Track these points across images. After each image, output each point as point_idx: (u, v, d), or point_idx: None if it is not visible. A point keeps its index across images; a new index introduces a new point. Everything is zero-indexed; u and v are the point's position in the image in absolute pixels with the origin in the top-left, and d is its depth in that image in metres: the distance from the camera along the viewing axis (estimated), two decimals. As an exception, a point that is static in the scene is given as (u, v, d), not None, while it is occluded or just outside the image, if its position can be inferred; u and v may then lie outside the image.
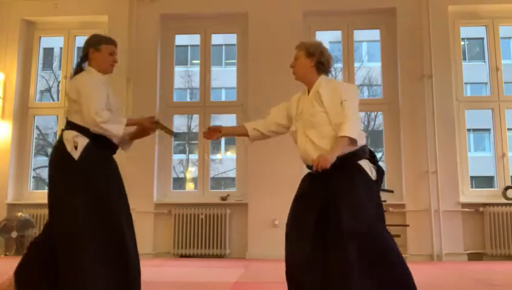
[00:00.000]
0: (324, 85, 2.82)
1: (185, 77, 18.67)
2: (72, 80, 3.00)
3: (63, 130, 2.97)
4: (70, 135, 2.89)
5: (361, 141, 2.76)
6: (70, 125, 2.95)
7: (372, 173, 2.80)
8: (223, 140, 19.98)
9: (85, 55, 3.05)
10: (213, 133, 3.03)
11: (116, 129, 2.84)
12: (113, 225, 2.80)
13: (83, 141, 2.86)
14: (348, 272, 2.57)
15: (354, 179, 2.71)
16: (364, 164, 2.79)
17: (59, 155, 2.89)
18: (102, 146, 2.92)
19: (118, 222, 2.82)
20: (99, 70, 3.02)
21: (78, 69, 3.03)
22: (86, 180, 2.81)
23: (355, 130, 2.64)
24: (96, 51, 3.01)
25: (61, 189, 2.82)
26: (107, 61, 3.04)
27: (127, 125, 2.92)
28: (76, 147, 2.84)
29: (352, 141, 2.64)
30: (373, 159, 2.88)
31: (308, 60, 2.88)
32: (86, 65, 3.05)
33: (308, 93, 2.89)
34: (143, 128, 3.09)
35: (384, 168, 3.14)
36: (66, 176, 2.82)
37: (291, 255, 2.87)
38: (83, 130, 2.87)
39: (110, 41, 3.08)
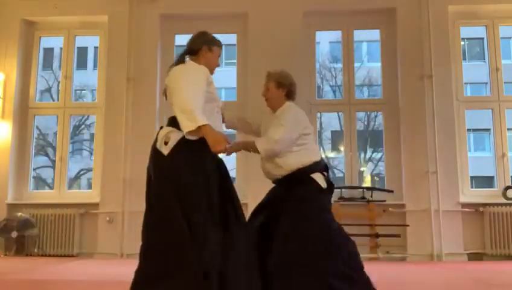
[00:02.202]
0: (282, 111, 3.23)
1: (185, 77, 18.67)
2: (172, 70, 2.88)
3: (161, 128, 2.86)
4: (164, 131, 2.75)
5: (315, 157, 3.16)
6: (169, 121, 2.82)
7: (323, 184, 3.12)
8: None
9: (196, 50, 2.93)
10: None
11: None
12: (173, 227, 2.60)
13: (176, 136, 2.68)
14: (273, 272, 2.88)
15: (305, 189, 3.08)
16: (316, 176, 3.11)
17: (151, 154, 2.78)
18: (198, 142, 2.63)
19: (179, 225, 2.58)
20: None
21: (181, 61, 2.92)
22: (173, 176, 2.65)
23: (264, 146, 3.06)
24: (209, 50, 2.93)
25: (155, 188, 2.73)
26: (215, 63, 2.97)
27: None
28: (166, 143, 2.68)
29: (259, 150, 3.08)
30: (326, 173, 3.21)
31: (280, 90, 3.27)
32: (187, 58, 2.95)
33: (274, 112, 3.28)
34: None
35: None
36: (157, 174, 2.72)
37: None
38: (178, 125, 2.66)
39: (221, 45, 3.01)
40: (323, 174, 3.16)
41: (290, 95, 3.31)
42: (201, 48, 2.92)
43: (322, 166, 3.19)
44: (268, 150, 3.06)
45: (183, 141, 2.65)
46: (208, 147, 2.60)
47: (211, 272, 2.52)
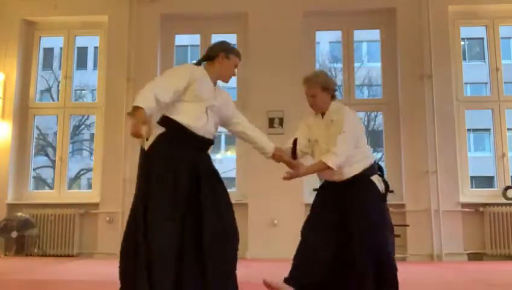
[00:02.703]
0: (335, 113, 3.28)
1: (184, 77, 18.68)
2: None
3: None
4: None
5: (371, 160, 3.20)
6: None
7: (381, 187, 3.15)
8: (223, 140, 20.00)
9: (212, 57, 2.99)
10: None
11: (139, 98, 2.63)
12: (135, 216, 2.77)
13: (157, 132, 2.82)
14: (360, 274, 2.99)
15: (366, 192, 3.11)
16: (375, 179, 3.14)
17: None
18: (177, 139, 2.79)
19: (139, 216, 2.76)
20: (217, 75, 2.99)
21: (199, 65, 3.00)
22: (144, 166, 2.89)
23: (335, 161, 3.03)
24: (226, 58, 2.98)
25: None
26: (230, 71, 3.02)
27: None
28: (147, 139, 2.80)
29: (329, 168, 3.05)
30: (382, 174, 3.22)
31: (325, 94, 3.29)
32: (204, 64, 3.02)
33: (322, 116, 3.32)
34: None
35: (384, 168, 3.34)
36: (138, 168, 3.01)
37: (310, 251, 3.13)
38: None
39: (239, 55, 3.07)
40: (380, 175, 3.18)
41: (334, 96, 3.37)
42: (218, 54, 2.99)
43: (377, 167, 3.22)
44: (340, 164, 3.05)
45: (161, 135, 2.76)
46: (189, 146, 2.75)
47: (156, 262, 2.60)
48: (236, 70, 3.07)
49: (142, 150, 2.83)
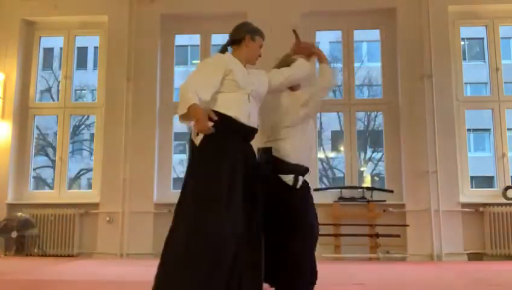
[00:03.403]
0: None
1: (185, 77, 18.66)
2: None
3: None
4: None
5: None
6: None
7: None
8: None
9: (239, 40, 2.92)
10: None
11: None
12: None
13: None
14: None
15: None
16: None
17: (189, 145, 2.86)
18: (226, 137, 2.71)
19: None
20: (245, 59, 2.92)
21: (223, 51, 2.93)
22: (199, 163, 2.74)
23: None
24: (252, 40, 2.93)
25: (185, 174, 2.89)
26: (256, 53, 2.96)
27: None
28: (198, 134, 2.69)
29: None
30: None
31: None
32: (230, 49, 2.95)
33: None
34: None
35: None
36: (189, 162, 2.87)
37: None
38: None
39: (263, 36, 3.03)
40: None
41: None
42: (244, 37, 2.93)
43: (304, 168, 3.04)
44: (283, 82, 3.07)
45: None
46: (239, 137, 2.71)
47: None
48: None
49: (195, 145, 2.71)
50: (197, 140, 2.69)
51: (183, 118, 2.60)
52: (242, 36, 2.92)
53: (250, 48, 2.93)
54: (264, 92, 2.94)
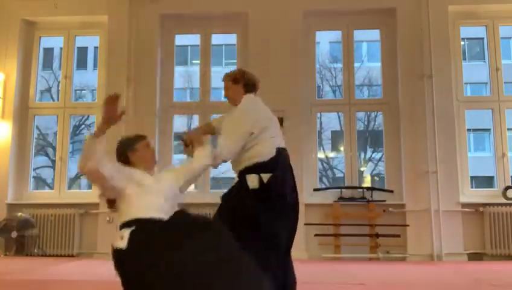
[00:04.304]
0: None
1: (185, 77, 18.68)
2: None
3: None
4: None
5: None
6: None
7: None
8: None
9: (126, 158, 3.20)
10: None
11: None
12: None
13: None
14: None
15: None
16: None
17: None
18: None
19: None
20: (142, 166, 3.15)
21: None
22: None
23: (219, 150, 2.99)
24: (134, 151, 3.21)
25: None
26: (146, 156, 3.18)
27: None
28: None
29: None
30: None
31: (236, 86, 3.19)
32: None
33: None
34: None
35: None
36: None
37: None
38: None
39: (140, 139, 3.26)
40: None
41: (249, 88, 3.20)
42: (127, 154, 3.23)
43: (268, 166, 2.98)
44: (216, 158, 3.01)
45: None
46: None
47: None
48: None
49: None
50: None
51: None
52: (125, 155, 3.12)
53: (139, 156, 3.07)
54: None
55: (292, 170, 3.10)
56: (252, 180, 2.95)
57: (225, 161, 3.04)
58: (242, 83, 3.19)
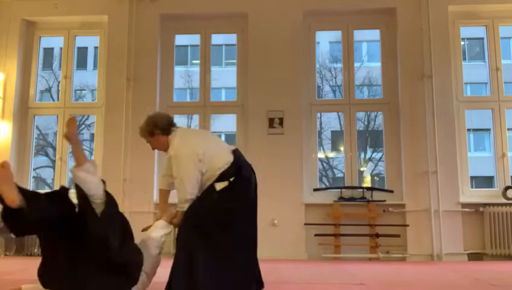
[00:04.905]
0: (170, 148, 3.31)
1: (185, 77, 18.68)
2: None
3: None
4: None
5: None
6: None
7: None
8: (223, 140, 19.98)
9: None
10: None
11: None
12: None
13: None
14: None
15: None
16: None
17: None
18: None
19: None
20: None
21: None
22: None
23: (181, 205, 3.23)
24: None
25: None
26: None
27: None
28: None
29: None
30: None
31: (156, 136, 3.37)
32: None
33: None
34: None
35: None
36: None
37: None
38: None
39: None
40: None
41: (167, 130, 3.36)
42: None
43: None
44: (186, 205, 3.20)
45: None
46: None
47: None
48: None
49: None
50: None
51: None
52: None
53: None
54: None
55: (247, 164, 3.34)
56: (219, 185, 3.19)
57: (193, 199, 3.20)
58: (157, 131, 3.34)
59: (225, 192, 3.16)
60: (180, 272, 3.03)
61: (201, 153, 3.17)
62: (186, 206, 3.17)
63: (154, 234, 3.25)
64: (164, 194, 3.57)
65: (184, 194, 3.15)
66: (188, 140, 3.28)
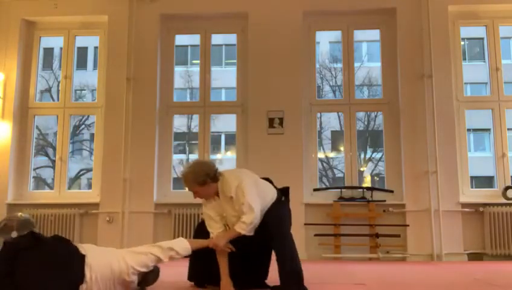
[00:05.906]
0: (229, 190, 3.47)
1: (185, 77, 18.69)
2: None
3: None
4: None
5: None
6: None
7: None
8: (223, 140, 19.98)
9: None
10: None
11: None
12: None
13: None
14: None
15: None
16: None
17: None
18: None
19: None
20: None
21: None
22: None
23: (245, 228, 3.39)
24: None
25: None
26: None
27: None
28: None
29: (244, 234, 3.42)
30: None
31: (205, 186, 3.51)
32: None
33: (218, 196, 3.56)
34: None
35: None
36: None
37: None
38: None
39: None
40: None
41: (217, 177, 3.53)
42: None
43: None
44: (253, 227, 3.41)
45: None
46: None
47: None
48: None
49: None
50: None
51: None
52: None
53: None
54: None
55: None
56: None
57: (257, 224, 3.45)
58: (209, 180, 3.50)
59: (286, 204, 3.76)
60: (295, 251, 3.45)
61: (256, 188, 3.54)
62: (249, 229, 3.38)
63: (161, 255, 3.24)
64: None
65: (252, 218, 3.36)
66: (242, 177, 3.53)
